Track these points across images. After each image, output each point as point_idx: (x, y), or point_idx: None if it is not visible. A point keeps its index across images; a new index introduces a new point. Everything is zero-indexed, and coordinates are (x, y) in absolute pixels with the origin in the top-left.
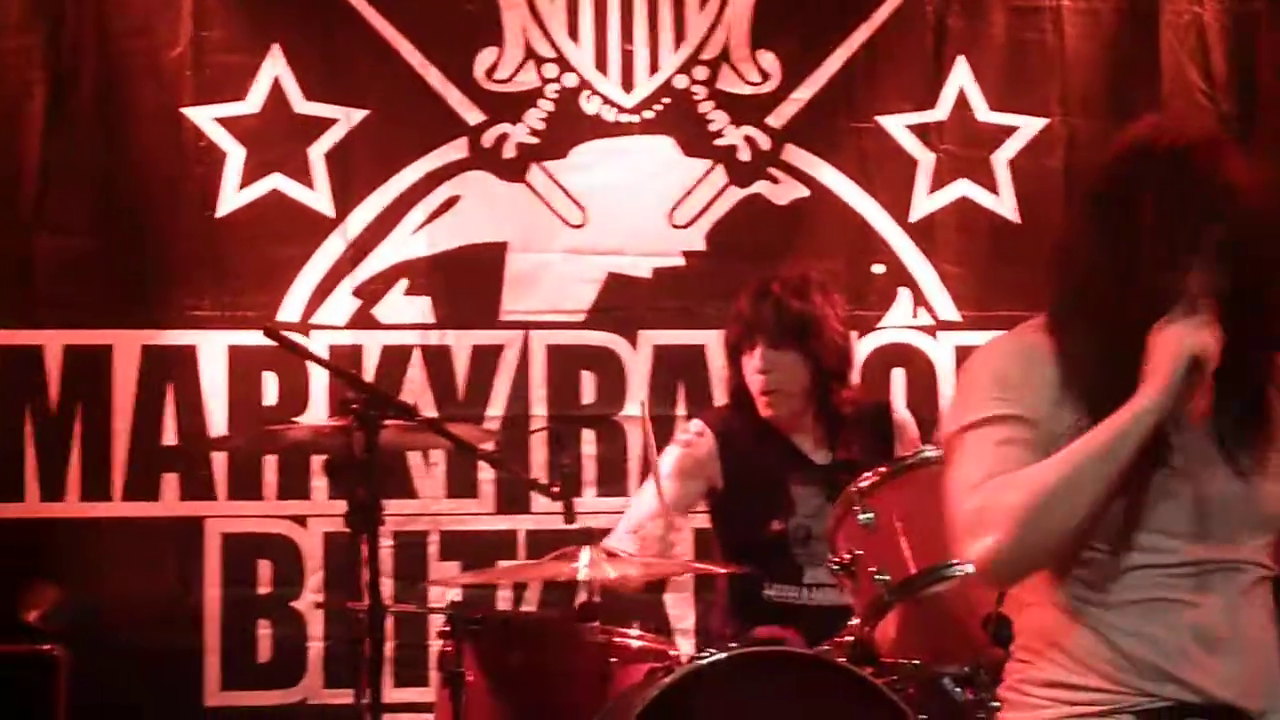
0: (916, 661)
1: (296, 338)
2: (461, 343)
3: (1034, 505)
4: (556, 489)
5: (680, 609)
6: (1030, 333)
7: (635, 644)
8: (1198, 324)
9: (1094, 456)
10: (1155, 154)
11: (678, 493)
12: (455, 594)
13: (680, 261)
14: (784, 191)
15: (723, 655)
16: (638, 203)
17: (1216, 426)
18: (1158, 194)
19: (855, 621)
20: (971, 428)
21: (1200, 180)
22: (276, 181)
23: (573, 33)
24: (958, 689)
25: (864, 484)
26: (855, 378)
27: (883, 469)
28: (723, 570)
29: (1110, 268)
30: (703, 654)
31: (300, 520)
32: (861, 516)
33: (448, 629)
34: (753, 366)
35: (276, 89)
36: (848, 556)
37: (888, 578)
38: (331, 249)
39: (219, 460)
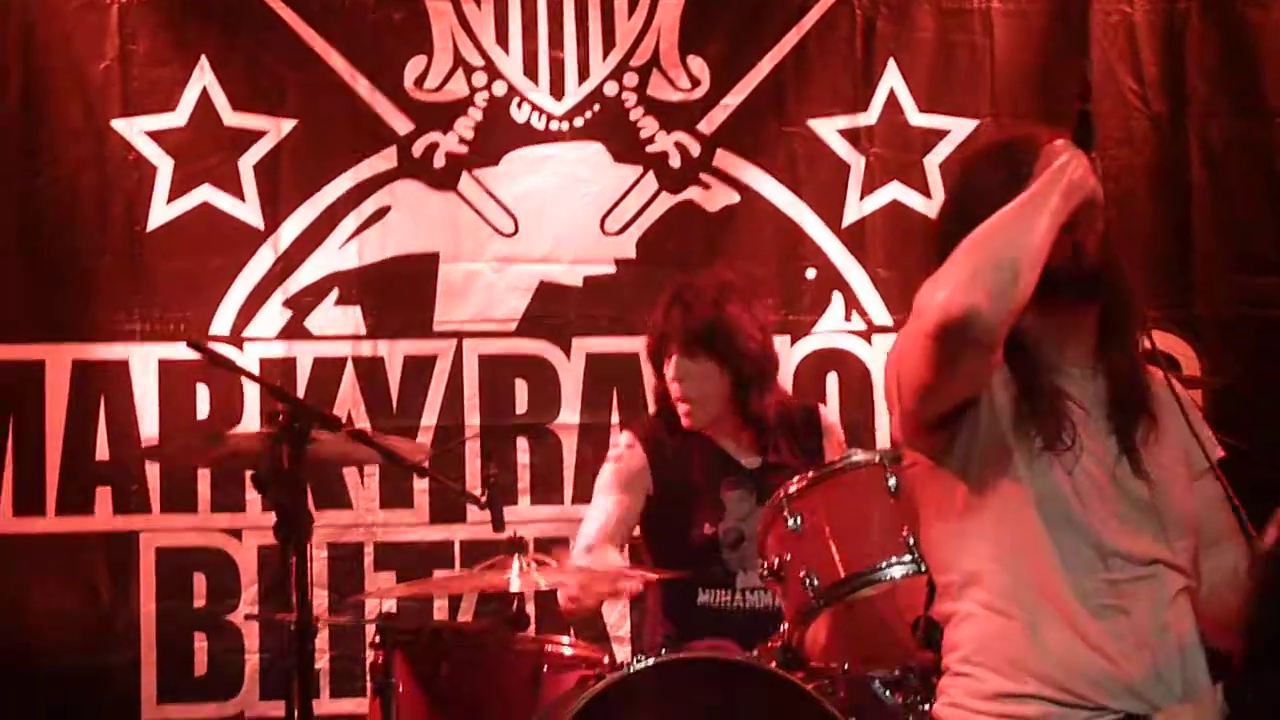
0: (846, 666)
1: (225, 350)
2: (394, 353)
3: (977, 252)
4: (483, 498)
5: (616, 616)
6: None
7: (567, 652)
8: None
9: (1017, 207)
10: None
11: (624, 507)
12: (390, 605)
13: (612, 269)
14: (715, 197)
15: (652, 661)
16: (569, 210)
17: (1114, 426)
18: (991, 193)
19: (785, 626)
20: None
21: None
22: (206, 194)
23: (502, 41)
24: (887, 692)
25: (792, 489)
26: (786, 382)
27: (810, 474)
28: (655, 576)
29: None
30: (633, 660)
31: (235, 533)
32: (790, 521)
33: (378, 640)
34: (668, 375)
35: (205, 101)
36: (776, 561)
37: (817, 582)
38: (262, 261)
39: (152, 474)
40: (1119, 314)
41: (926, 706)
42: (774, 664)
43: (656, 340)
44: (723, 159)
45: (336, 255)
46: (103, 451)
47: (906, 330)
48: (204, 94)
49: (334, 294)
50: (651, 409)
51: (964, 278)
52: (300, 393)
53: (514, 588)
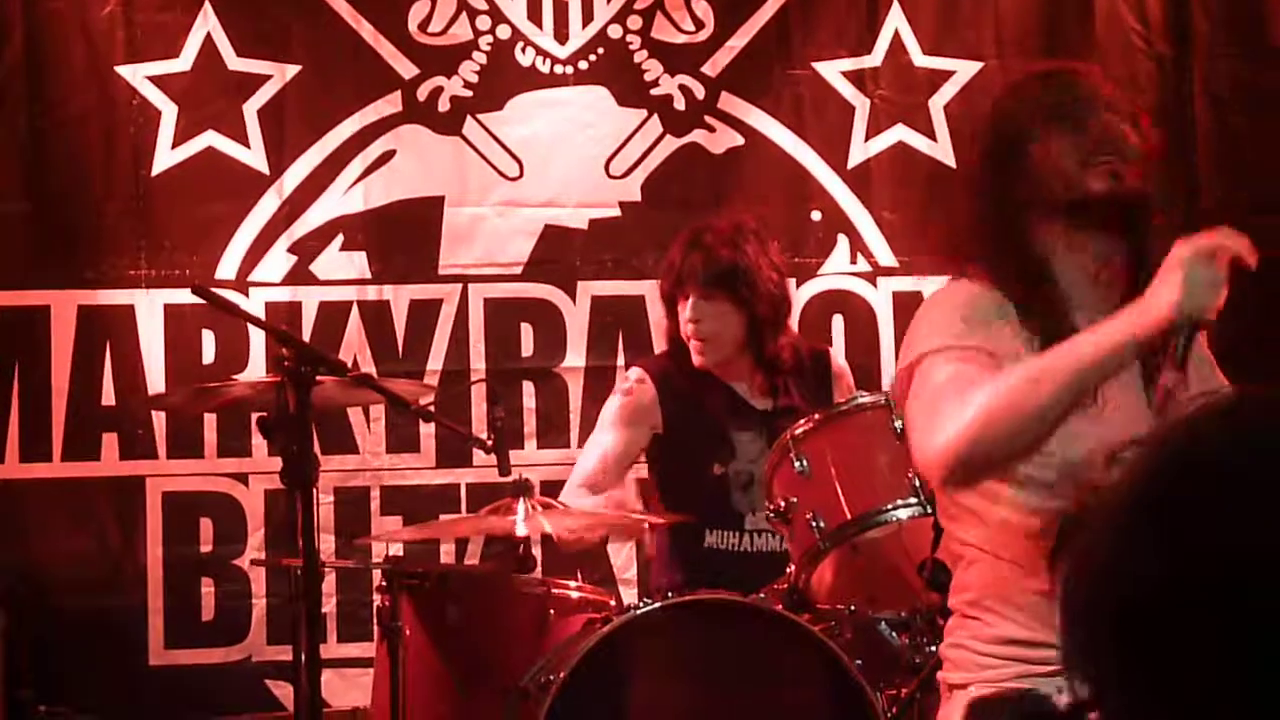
0: (852, 607)
1: (230, 295)
2: (399, 297)
3: (1000, 404)
4: (490, 442)
5: (623, 559)
6: (973, 283)
7: (574, 595)
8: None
9: (1078, 367)
10: (1023, 90)
11: (625, 441)
12: (397, 549)
13: (617, 212)
14: (720, 140)
15: (658, 605)
16: (573, 154)
17: (1145, 374)
18: (1031, 119)
19: (792, 568)
20: (932, 353)
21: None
22: (210, 139)
23: None
24: (893, 634)
25: (799, 431)
26: (794, 325)
27: (817, 416)
28: (662, 521)
29: (1007, 198)
30: (639, 604)
31: (241, 478)
32: (796, 463)
33: (384, 584)
34: (684, 316)
35: (209, 46)
36: (783, 503)
37: (823, 524)
38: (267, 206)
39: (159, 419)
40: (1155, 251)
41: (932, 648)
42: (780, 606)
43: (674, 280)
44: (727, 101)
45: (341, 200)
46: (109, 397)
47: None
48: (208, 39)
49: (339, 239)
50: (660, 350)
51: (969, 430)
52: (306, 338)
53: (520, 531)
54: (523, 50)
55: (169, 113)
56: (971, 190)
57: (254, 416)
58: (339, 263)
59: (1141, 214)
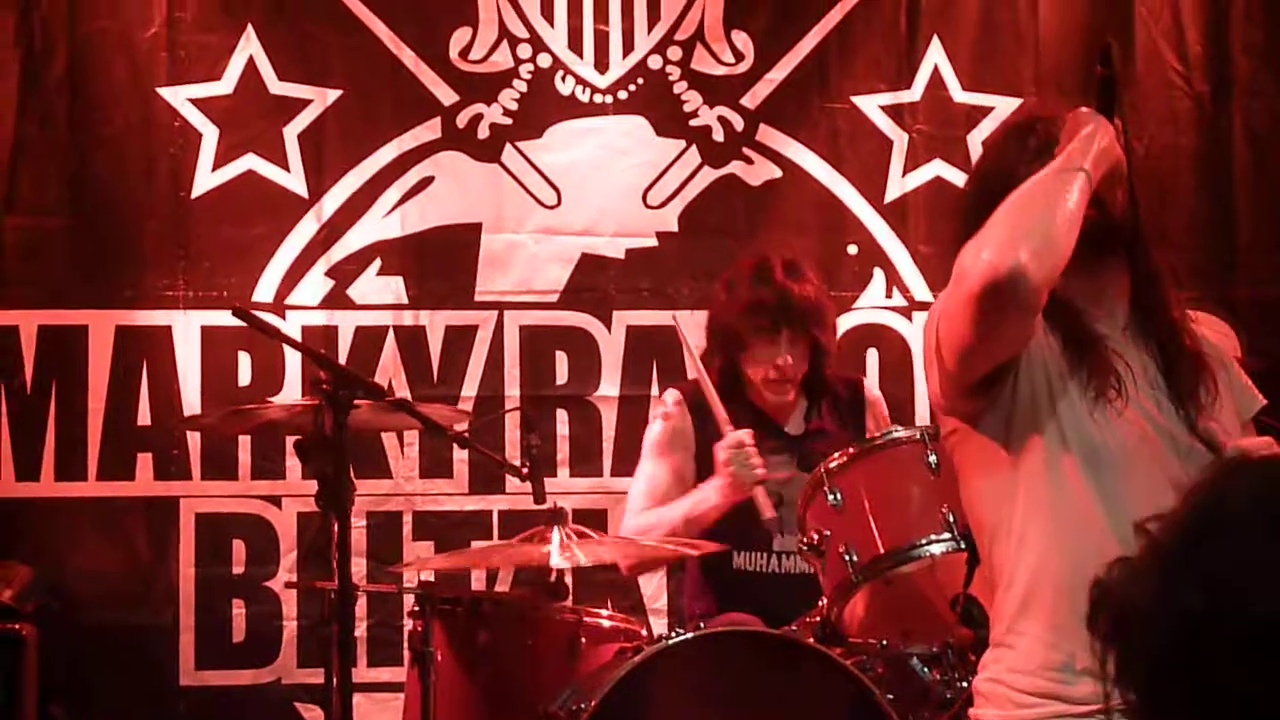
0: (884, 641)
1: (268, 318)
2: (435, 323)
3: (1017, 215)
4: (525, 469)
5: (654, 588)
6: None
7: (605, 624)
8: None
9: (1052, 173)
10: (1014, 132)
11: (671, 468)
12: (428, 573)
13: (653, 242)
14: (758, 172)
15: (690, 635)
16: (611, 183)
17: (1171, 394)
18: (1018, 159)
19: (824, 601)
20: None
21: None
22: (251, 162)
23: (547, 13)
24: (925, 669)
25: (833, 464)
26: None
27: (851, 450)
28: (695, 552)
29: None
30: (671, 634)
31: (274, 500)
32: (830, 497)
33: (417, 609)
34: (771, 355)
35: (251, 69)
36: (816, 536)
37: (856, 557)
38: (305, 229)
39: (193, 440)
40: (1147, 279)
41: (964, 683)
42: (812, 638)
43: (770, 313)
44: (765, 134)
45: (380, 225)
46: (144, 418)
47: (947, 293)
48: (250, 62)
49: (376, 263)
50: (695, 375)
51: (1006, 239)
52: (342, 361)
53: (555, 561)
54: (563, 79)
55: (210, 135)
56: (966, 221)
57: (289, 439)
58: (376, 287)
59: (1114, 238)
